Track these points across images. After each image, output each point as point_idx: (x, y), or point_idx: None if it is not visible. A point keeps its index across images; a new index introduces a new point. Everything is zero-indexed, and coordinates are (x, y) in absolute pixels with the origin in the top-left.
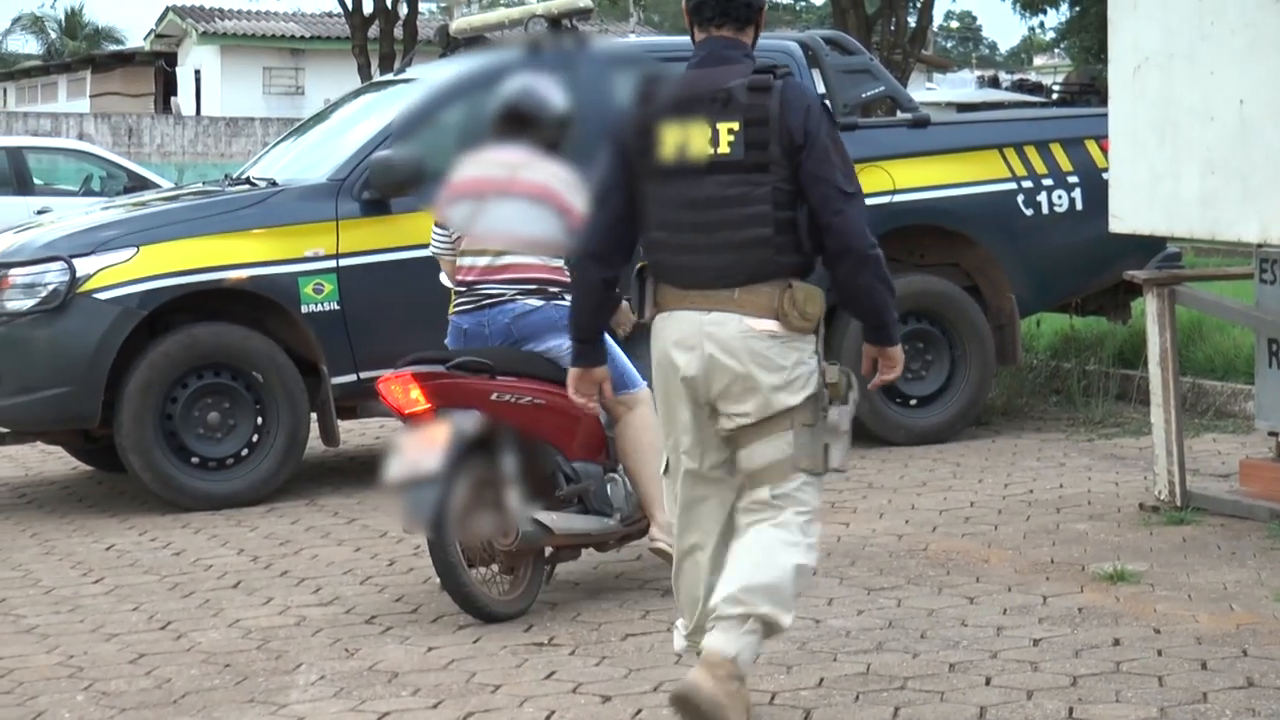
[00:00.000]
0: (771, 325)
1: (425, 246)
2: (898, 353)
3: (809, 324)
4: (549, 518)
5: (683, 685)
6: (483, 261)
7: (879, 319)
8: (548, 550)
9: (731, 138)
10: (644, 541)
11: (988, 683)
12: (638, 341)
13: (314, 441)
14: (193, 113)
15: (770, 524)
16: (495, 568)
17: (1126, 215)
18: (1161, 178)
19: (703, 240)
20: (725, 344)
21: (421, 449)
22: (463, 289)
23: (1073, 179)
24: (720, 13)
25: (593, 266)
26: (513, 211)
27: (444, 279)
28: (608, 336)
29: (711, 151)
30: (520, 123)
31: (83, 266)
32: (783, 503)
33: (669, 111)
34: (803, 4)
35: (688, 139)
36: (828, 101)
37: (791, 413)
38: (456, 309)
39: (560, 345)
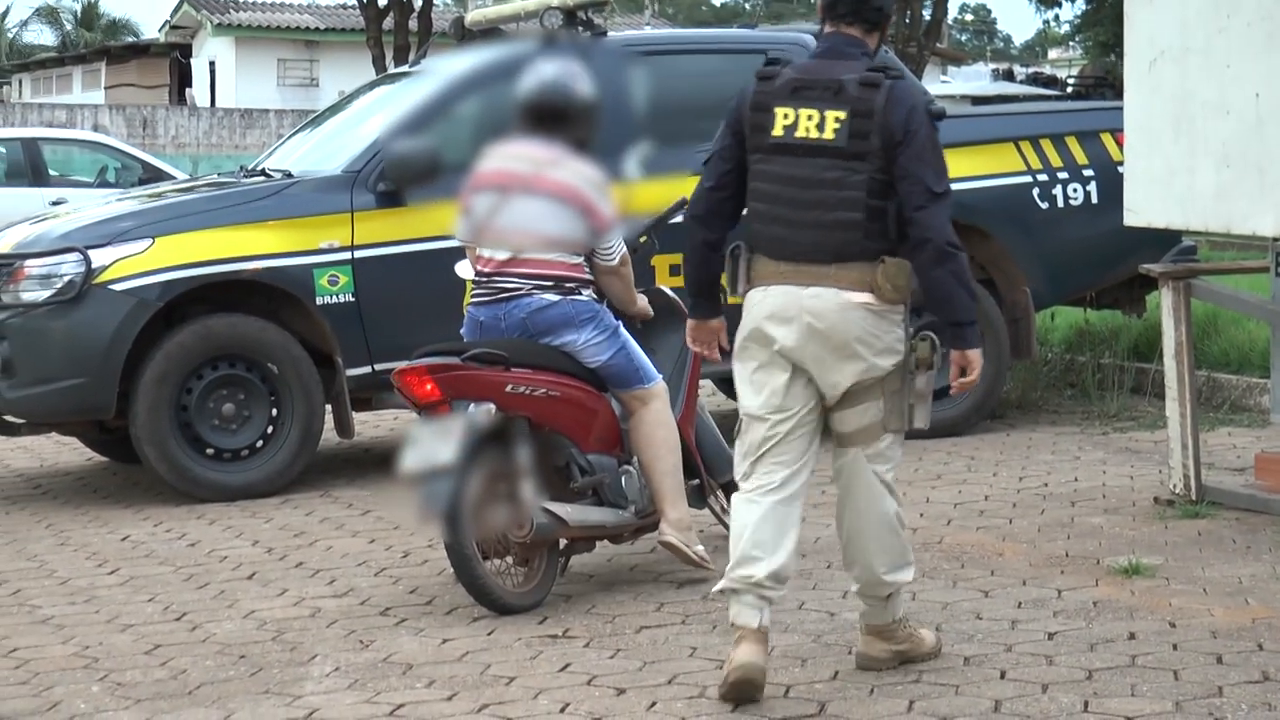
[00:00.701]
0: (866, 298)
1: (440, 239)
2: (976, 356)
3: (899, 295)
4: (563, 509)
5: (860, 653)
6: (502, 254)
7: (954, 316)
8: (562, 542)
9: (837, 125)
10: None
11: (1002, 676)
12: (655, 334)
13: (329, 433)
14: (207, 104)
15: (861, 489)
16: (510, 560)
17: (1142, 209)
18: (1177, 171)
19: (795, 216)
20: (823, 316)
21: (436, 441)
22: (481, 279)
23: (1088, 172)
24: (853, 11)
25: (698, 229)
26: (535, 209)
27: (461, 269)
28: (623, 329)
29: (817, 135)
30: (550, 118)
31: (98, 258)
32: (873, 462)
33: (784, 95)
34: None
35: (796, 121)
36: None
37: (883, 380)
38: (474, 300)
39: (576, 340)
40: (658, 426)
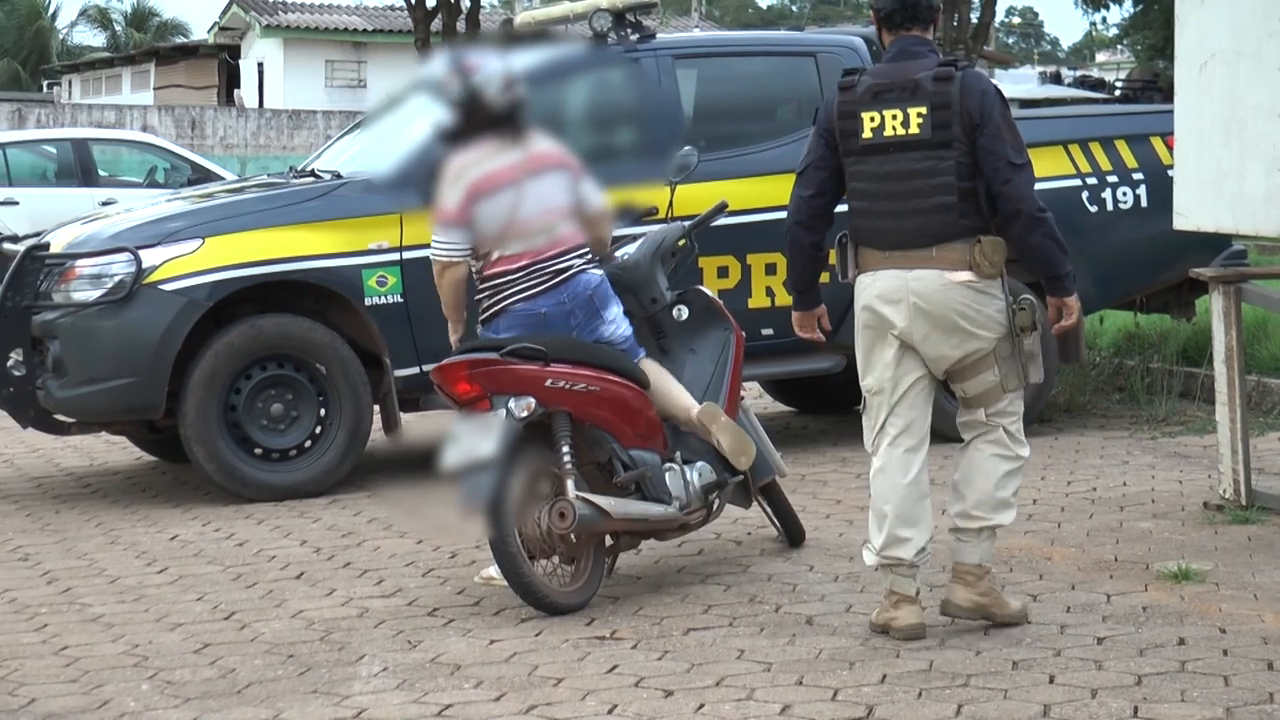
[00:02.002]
0: (967, 275)
1: None
2: (1075, 301)
3: (996, 270)
4: (605, 501)
5: (945, 600)
6: (539, 240)
7: (1054, 270)
8: (607, 541)
9: (920, 120)
10: (705, 533)
11: (1051, 681)
12: (696, 334)
13: (376, 433)
14: (255, 105)
15: (984, 439)
16: (556, 559)
17: (1192, 212)
18: (1227, 175)
19: (896, 207)
20: (927, 296)
21: (476, 436)
22: (521, 272)
23: (1137, 176)
24: (909, 17)
25: (803, 234)
26: (547, 187)
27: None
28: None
29: (903, 132)
30: (502, 114)
31: (149, 258)
32: (997, 419)
33: (867, 100)
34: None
35: (883, 122)
36: None
37: (993, 350)
38: (524, 294)
39: (616, 310)
40: (663, 386)
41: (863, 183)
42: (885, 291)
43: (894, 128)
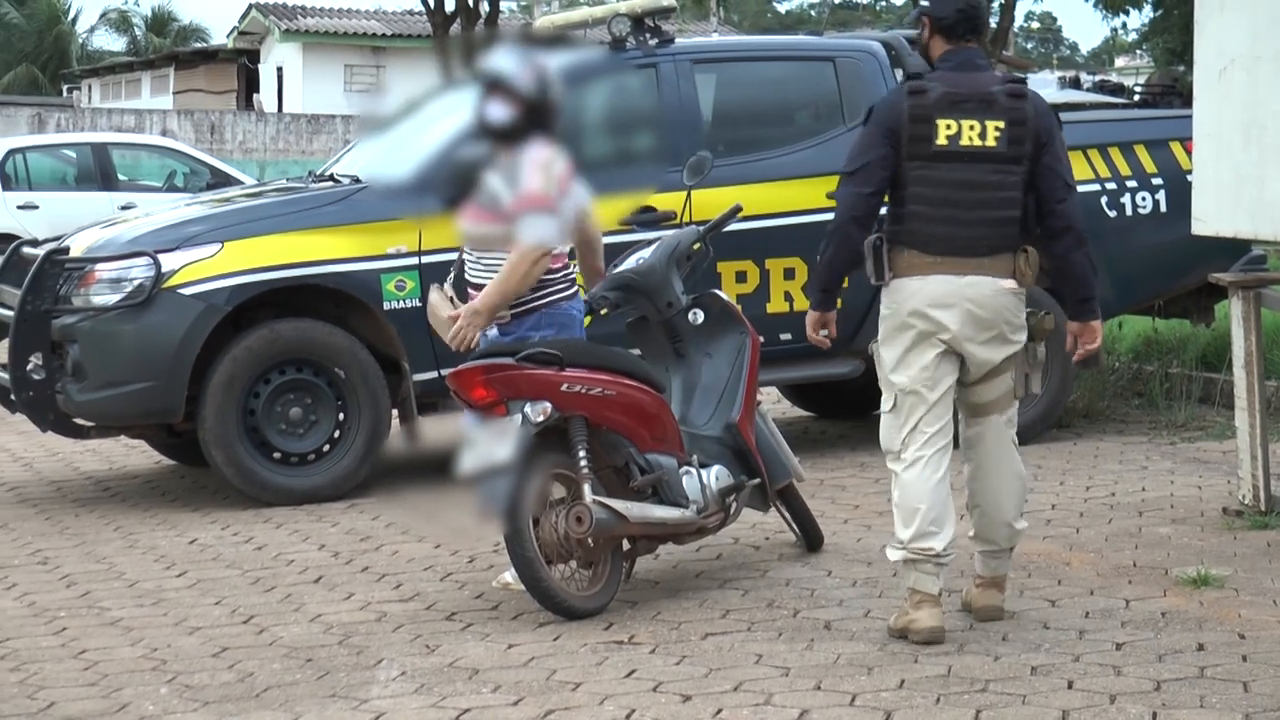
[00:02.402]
0: (1011, 283)
1: None
2: (1099, 326)
3: (1033, 281)
4: (622, 505)
5: (985, 611)
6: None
7: (1087, 291)
8: (625, 544)
9: (998, 134)
10: (723, 538)
11: (1070, 686)
12: (713, 338)
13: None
14: (274, 109)
15: (999, 456)
16: (573, 564)
17: (1210, 217)
18: (1246, 180)
19: (961, 215)
20: (981, 302)
21: (493, 441)
22: (561, 272)
23: (1156, 181)
24: (971, 29)
25: (856, 231)
26: (579, 189)
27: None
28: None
29: (980, 143)
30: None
31: (168, 262)
32: (1010, 424)
33: (943, 107)
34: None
35: (961, 131)
36: None
37: (1016, 354)
38: (575, 294)
39: None
40: None
41: (927, 188)
42: (938, 296)
43: (970, 138)
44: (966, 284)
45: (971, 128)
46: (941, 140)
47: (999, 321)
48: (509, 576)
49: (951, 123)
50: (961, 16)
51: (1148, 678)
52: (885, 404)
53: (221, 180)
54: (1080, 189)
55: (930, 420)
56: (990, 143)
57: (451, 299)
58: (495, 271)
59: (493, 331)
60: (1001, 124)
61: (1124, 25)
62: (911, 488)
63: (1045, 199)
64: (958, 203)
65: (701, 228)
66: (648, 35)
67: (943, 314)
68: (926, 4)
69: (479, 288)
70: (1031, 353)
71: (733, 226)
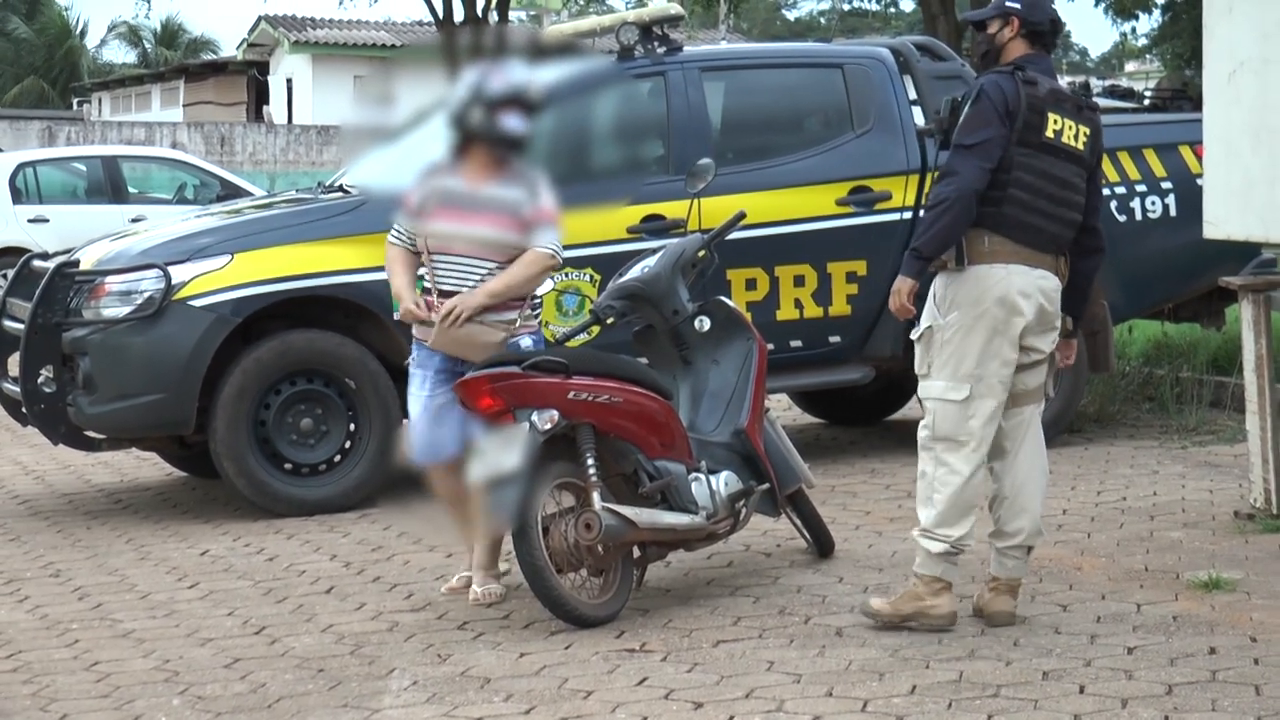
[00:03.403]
0: (1059, 280)
1: None
2: (1075, 344)
3: (1064, 284)
4: (631, 511)
5: (997, 617)
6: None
7: (1082, 311)
8: (635, 552)
9: (1086, 140)
10: (734, 545)
11: (1081, 691)
12: (719, 344)
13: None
14: (284, 121)
15: (1034, 448)
16: (584, 572)
17: (1221, 221)
18: (1256, 183)
19: (1051, 209)
20: (1049, 296)
21: (501, 449)
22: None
23: (1166, 185)
24: (1055, 40)
25: (974, 203)
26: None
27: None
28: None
29: (1074, 145)
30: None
31: (178, 274)
32: (1038, 417)
33: (1052, 103)
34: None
35: (1064, 128)
36: (918, 107)
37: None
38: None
39: None
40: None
41: (1030, 175)
42: (1022, 286)
43: (1069, 137)
44: (1039, 276)
45: (1070, 127)
46: (1049, 133)
47: (1055, 314)
48: (454, 582)
49: (1058, 118)
50: (1053, 26)
51: (1159, 682)
52: (954, 393)
53: (231, 192)
54: None
55: (996, 417)
56: (1080, 145)
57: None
58: (468, 274)
59: (526, 341)
60: (1089, 130)
61: (1133, 30)
62: (974, 489)
63: (1089, 214)
64: (1051, 196)
65: (706, 235)
66: (656, 43)
67: (1025, 303)
68: (1018, 5)
69: (449, 294)
70: (1051, 355)
71: (742, 234)
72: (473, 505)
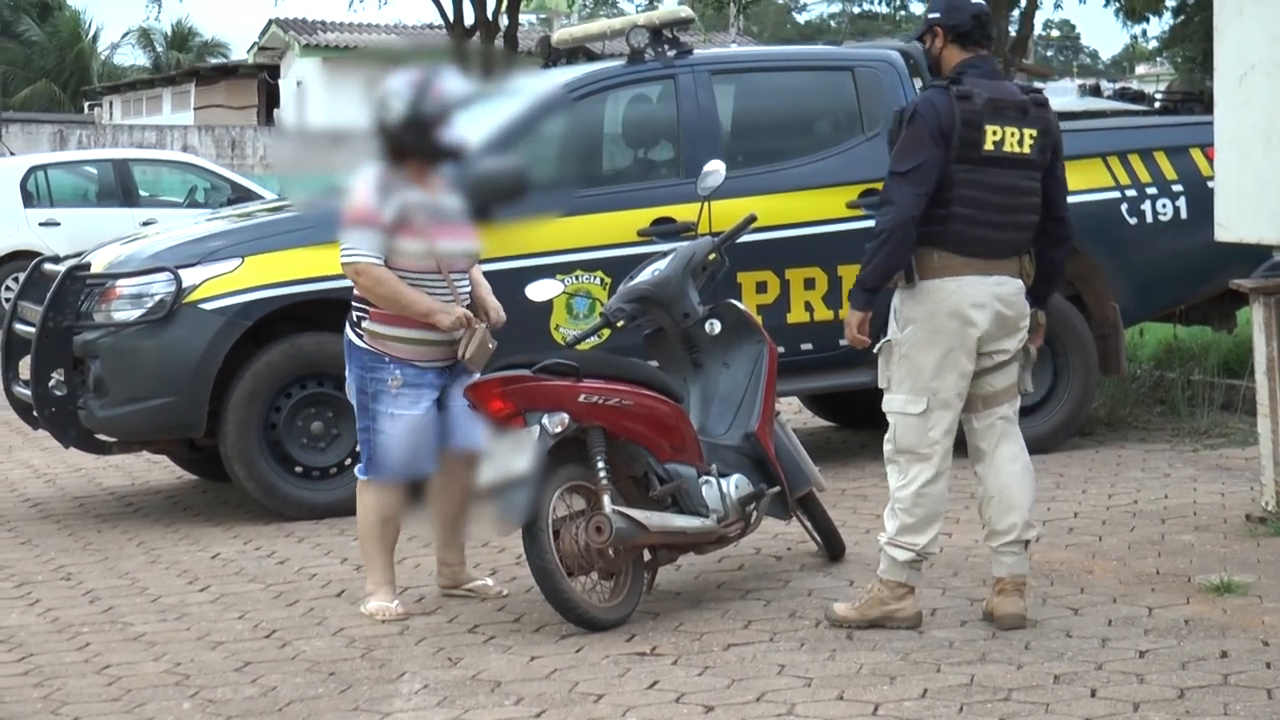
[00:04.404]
0: (1021, 282)
1: (523, 257)
2: (1044, 321)
3: (1030, 282)
4: (641, 514)
5: (1007, 619)
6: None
7: (1049, 293)
8: (646, 555)
9: (1032, 142)
10: (745, 548)
11: (1093, 694)
12: (730, 348)
13: None
14: None
15: (1015, 447)
16: (595, 575)
17: (1232, 224)
18: (1268, 186)
19: (1000, 219)
20: (1006, 300)
21: (511, 452)
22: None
23: (1177, 187)
24: (984, 35)
25: (913, 230)
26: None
27: (533, 291)
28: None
29: (1019, 150)
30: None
31: (189, 277)
32: (1014, 416)
33: (989, 114)
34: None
35: (1005, 138)
36: None
37: (1020, 348)
38: None
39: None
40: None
41: (973, 190)
42: (974, 297)
43: (1012, 145)
44: (995, 283)
45: (1012, 135)
46: (989, 146)
47: (1017, 317)
48: (373, 605)
49: (997, 129)
50: (977, 23)
51: (1171, 685)
52: (912, 406)
53: (242, 195)
54: (1101, 196)
55: (953, 427)
56: (1026, 150)
57: None
58: (465, 288)
59: None
60: (1035, 132)
61: (1144, 33)
62: (939, 499)
63: (1053, 206)
64: (997, 206)
65: (716, 238)
66: (666, 46)
67: (977, 314)
68: (937, 14)
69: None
70: (1025, 350)
71: (752, 237)
72: (456, 518)
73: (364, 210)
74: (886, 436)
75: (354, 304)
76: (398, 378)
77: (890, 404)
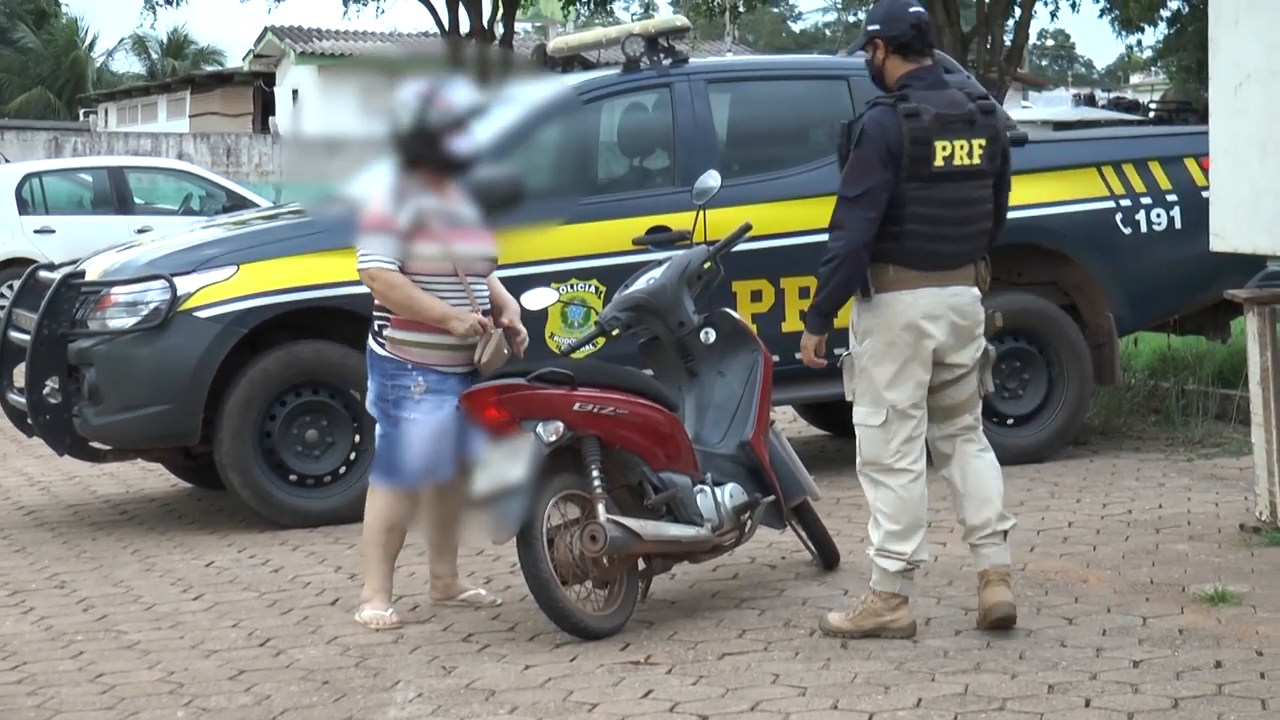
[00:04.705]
0: (977, 290)
1: (519, 265)
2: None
3: (988, 287)
4: (636, 523)
5: (996, 609)
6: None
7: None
8: (640, 564)
9: (981, 151)
10: (739, 557)
11: (1087, 704)
12: (725, 356)
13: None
14: None
15: (974, 447)
16: (589, 584)
17: (1227, 233)
18: (1263, 195)
19: (954, 231)
20: (961, 310)
21: (506, 461)
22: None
23: (1172, 197)
24: (927, 44)
25: (864, 254)
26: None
27: (528, 299)
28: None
29: (969, 162)
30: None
31: (184, 285)
32: (978, 422)
33: (937, 129)
34: None
35: (954, 152)
36: None
37: (981, 354)
38: None
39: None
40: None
41: (926, 207)
42: (929, 309)
43: (962, 157)
44: (950, 294)
45: (961, 147)
46: (939, 161)
47: (973, 326)
48: (367, 614)
49: (946, 144)
50: (918, 33)
51: (1165, 695)
52: (873, 418)
53: (237, 203)
54: (1095, 206)
55: (918, 432)
56: (976, 161)
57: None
58: (483, 294)
59: None
60: (983, 141)
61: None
62: (914, 503)
63: (1001, 207)
64: (952, 219)
65: (712, 247)
66: (662, 55)
67: (932, 325)
68: (876, 26)
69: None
70: (985, 352)
71: (747, 246)
72: (449, 528)
73: (379, 216)
74: (857, 449)
75: (375, 313)
76: (420, 384)
77: (855, 416)
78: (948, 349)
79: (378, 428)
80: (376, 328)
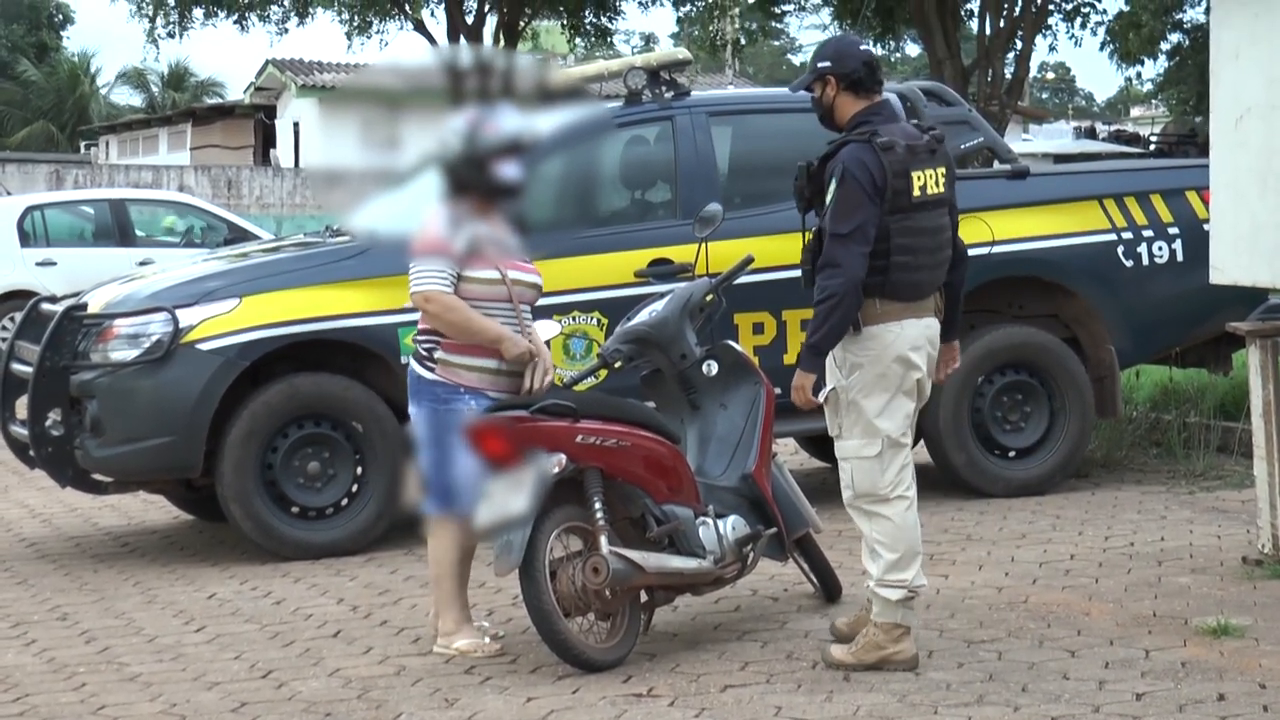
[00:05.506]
0: (937, 319)
1: None
2: (958, 346)
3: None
4: (639, 555)
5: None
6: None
7: (958, 314)
8: (643, 596)
9: (944, 179)
10: (742, 589)
11: None
12: (727, 389)
13: None
14: (291, 165)
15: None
16: (591, 616)
17: (1228, 267)
18: (1263, 229)
19: (930, 260)
20: (934, 341)
21: (508, 493)
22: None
23: (1173, 230)
24: (876, 81)
25: (858, 290)
26: None
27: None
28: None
29: (937, 191)
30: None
31: (186, 317)
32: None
33: (910, 159)
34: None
35: (926, 181)
36: None
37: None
38: None
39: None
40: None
41: (908, 238)
42: (915, 340)
43: (932, 187)
44: (925, 326)
45: (930, 176)
46: (916, 192)
47: (937, 355)
48: (463, 644)
49: (920, 173)
50: (868, 69)
51: None
52: (868, 449)
53: (239, 235)
54: (1097, 239)
55: (909, 460)
56: (941, 189)
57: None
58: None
59: None
60: (943, 170)
61: (1139, 75)
62: (911, 530)
63: (956, 237)
64: (928, 248)
65: (714, 280)
66: (663, 88)
67: (917, 356)
68: (827, 63)
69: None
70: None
71: (749, 278)
72: (468, 559)
73: (435, 239)
74: (843, 484)
75: (420, 337)
76: (473, 408)
77: (844, 450)
78: (925, 376)
79: (429, 455)
80: (424, 351)
